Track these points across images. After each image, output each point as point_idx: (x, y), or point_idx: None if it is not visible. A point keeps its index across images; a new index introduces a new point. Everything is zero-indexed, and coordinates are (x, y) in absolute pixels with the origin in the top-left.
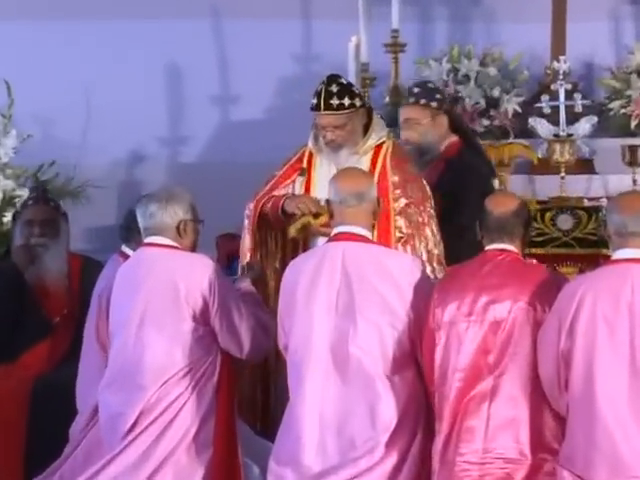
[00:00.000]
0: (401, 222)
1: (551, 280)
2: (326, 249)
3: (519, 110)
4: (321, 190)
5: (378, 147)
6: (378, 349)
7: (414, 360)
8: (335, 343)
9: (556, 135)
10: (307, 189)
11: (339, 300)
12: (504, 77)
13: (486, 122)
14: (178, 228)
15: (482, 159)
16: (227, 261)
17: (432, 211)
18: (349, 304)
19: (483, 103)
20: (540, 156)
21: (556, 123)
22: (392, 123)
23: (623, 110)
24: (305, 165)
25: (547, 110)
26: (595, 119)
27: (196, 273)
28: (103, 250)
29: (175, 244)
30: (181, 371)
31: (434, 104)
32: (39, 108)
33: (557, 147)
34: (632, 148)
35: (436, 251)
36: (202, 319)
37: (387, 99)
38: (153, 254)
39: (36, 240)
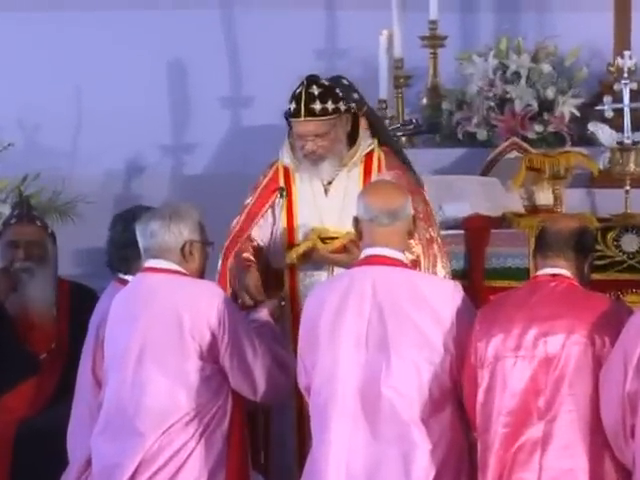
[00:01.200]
0: (410, 241)
1: (613, 310)
2: (353, 275)
3: (577, 114)
4: (306, 212)
5: (368, 157)
6: (415, 390)
7: (455, 401)
8: (365, 383)
9: (620, 143)
10: (289, 212)
11: (369, 333)
12: (560, 75)
13: (539, 127)
14: (183, 250)
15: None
16: None
17: (437, 226)
18: (381, 338)
19: (535, 105)
20: (601, 167)
21: (620, 129)
22: (432, 129)
23: None
24: (283, 184)
25: (609, 114)
26: None
27: (202, 303)
28: (96, 275)
29: (179, 269)
30: (186, 416)
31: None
32: (22, 111)
33: (621, 156)
34: None
35: (443, 271)
36: (210, 356)
37: (424, 101)
38: (154, 280)
39: (20, 264)
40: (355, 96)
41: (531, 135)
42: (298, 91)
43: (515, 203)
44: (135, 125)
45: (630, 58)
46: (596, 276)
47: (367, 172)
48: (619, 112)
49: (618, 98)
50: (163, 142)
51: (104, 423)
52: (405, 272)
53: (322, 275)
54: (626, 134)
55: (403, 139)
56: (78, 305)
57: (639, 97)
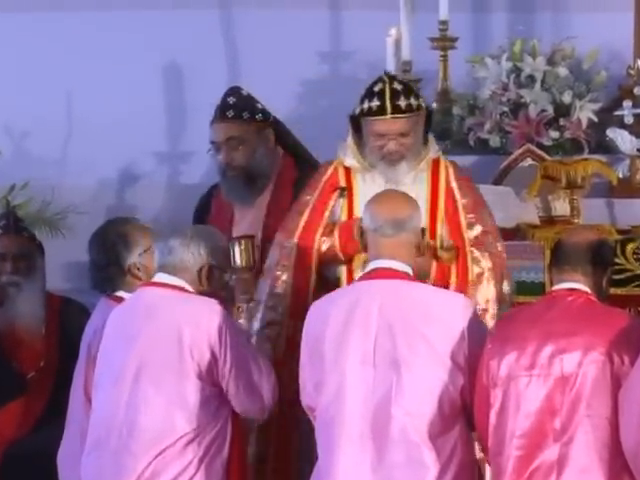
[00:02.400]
0: (478, 254)
1: (633, 327)
2: (359, 289)
3: (595, 119)
4: None
5: (435, 164)
6: (426, 409)
7: (465, 418)
8: (373, 402)
9: None
10: (350, 214)
11: (377, 350)
12: (577, 79)
13: (555, 134)
14: (200, 273)
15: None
16: None
17: (502, 241)
18: (390, 355)
19: (551, 110)
20: (621, 175)
21: None
22: (442, 135)
23: None
24: (344, 184)
25: (629, 119)
26: None
27: (203, 321)
28: (87, 290)
29: (183, 284)
30: (183, 439)
31: (259, 116)
32: (9, 117)
33: None
34: None
35: (508, 288)
36: (209, 377)
37: (434, 105)
38: (155, 296)
39: (7, 278)
40: (259, 106)
41: (547, 142)
42: (379, 88)
43: (530, 214)
44: (129, 132)
45: None
46: (615, 291)
47: (434, 179)
48: (639, 117)
49: (638, 103)
50: (158, 149)
51: (94, 443)
52: (414, 286)
53: None
54: None
55: None
56: (68, 321)
57: None
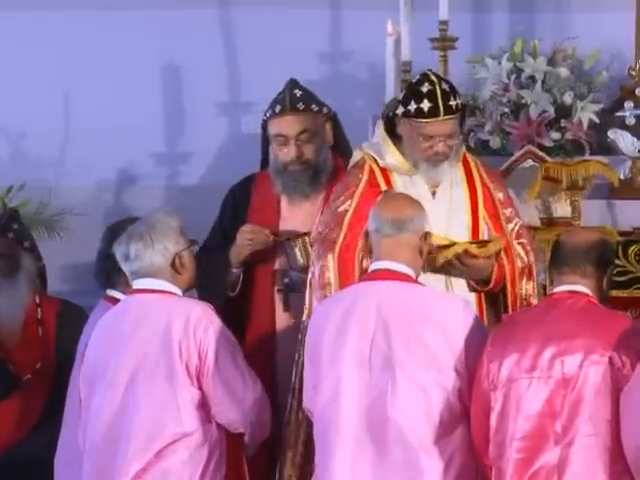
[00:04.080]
0: (519, 248)
1: (634, 329)
2: (358, 290)
3: (596, 120)
4: None
5: (464, 159)
6: (422, 412)
7: (466, 423)
8: (369, 405)
9: None
10: None
11: (373, 352)
12: (578, 79)
13: (556, 135)
14: (174, 265)
15: None
16: None
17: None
18: (386, 357)
19: (552, 111)
20: (622, 177)
21: None
22: None
23: None
24: (385, 187)
25: (631, 120)
26: None
27: (191, 324)
28: (85, 292)
29: (171, 289)
30: (177, 442)
31: (325, 109)
32: (6, 118)
33: None
34: None
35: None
36: (198, 382)
37: None
38: (144, 302)
39: None
40: (321, 99)
41: (547, 143)
42: (429, 88)
43: (531, 215)
44: (127, 133)
45: None
46: (617, 293)
47: (469, 176)
48: None
49: None
50: (157, 150)
51: (90, 449)
52: (413, 288)
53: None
54: None
55: None
56: (65, 324)
57: None
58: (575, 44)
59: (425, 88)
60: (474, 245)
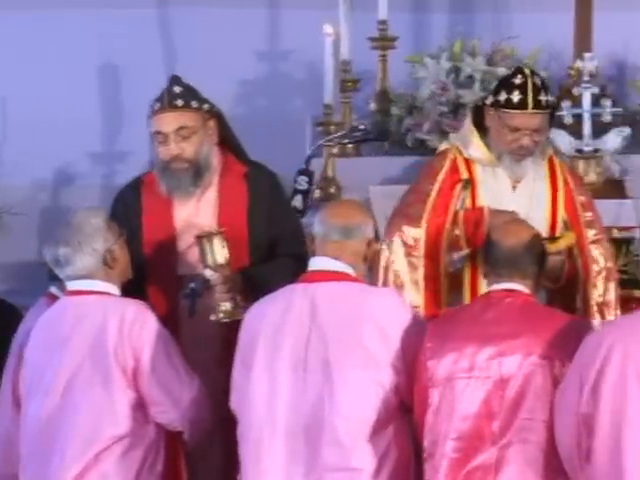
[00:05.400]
0: (597, 252)
1: (573, 327)
2: (294, 291)
3: None
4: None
5: (550, 159)
6: (359, 412)
7: (400, 417)
8: (304, 407)
9: (579, 150)
10: (474, 207)
11: (309, 354)
12: None
13: None
14: (106, 263)
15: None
16: None
17: None
18: (323, 358)
19: None
20: None
21: (580, 136)
22: (381, 136)
23: None
24: (466, 176)
25: (569, 120)
26: (627, 131)
27: (126, 324)
28: (22, 292)
29: (105, 288)
30: (114, 445)
31: (206, 106)
32: None
33: (581, 165)
34: None
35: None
36: (136, 384)
37: (373, 106)
38: (79, 304)
39: None
40: (203, 96)
41: None
42: (521, 81)
43: None
44: (64, 132)
45: (591, 60)
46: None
47: (553, 176)
48: (579, 118)
49: (578, 103)
50: (94, 150)
51: (28, 454)
52: (350, 286)
53: None
54: (586, 141)
55: (350, 147)
56: None
57: (600, 102)
58: (514, 44)
59: (518, 80)
60: (545, 240)
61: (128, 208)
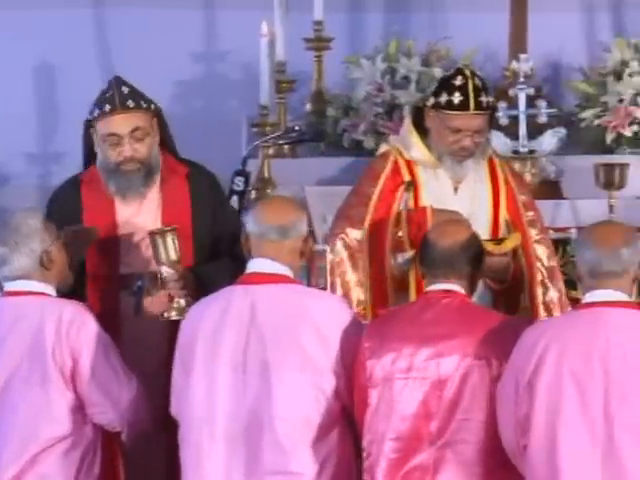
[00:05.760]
0: (540, 251)
1: (510, 327)
2: (233, 293)
3: None
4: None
5: (490, 160)
6: (299, 415)
7: (343, 422)
8: (244, 410)
9: (515, 151)
10: (417, 209)
11: (248, 357)
12: None
13: None
14: (42, 264)
15: None
16: None
17: None
18: (262, 361)
19: None
20: None
21: (515, 137)
22: (316, 137)
23: (597, 121)
24: (408, 178)
25: (504, 121)
26: (563, 132)
27: (64, 324)
28: None
29: (43, 289)
30: (52, 448)
31: (152, 106)
32: None
33: (517, 166)
34: (607, 167)
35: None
36: (74, 385)
37: (308, 107)
38: (16, 305)
39: None
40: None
41: None
42: (462, 82)
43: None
44: None
45: (526, 61)
46: None
47: (494, 176)
48: (514, 119)
49: (514, 104)
50: (29, 150)
51: None
52: (290, 289)
53: None
54: (522, 142)
55: (285, 148)
56: None
57: (536, 103)
58: (450, 44)
59: (458, 81)
60: (490, 242)
61: (66, 207)
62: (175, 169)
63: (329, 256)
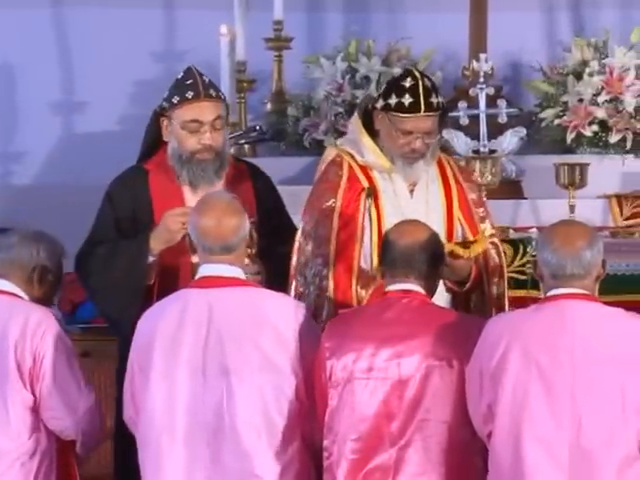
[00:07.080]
0: (493, 250)
1: (470, 325)
2: (188, 298)
3: None
4: (391, 214)
5: (438, 158)
6: (259, 417)
7: (307, 426)
8: (205, 413)
9: (476, 151)
10: (379, 215)
11: (207, 360)
12: None
13: None
14: (33, 272)
15: None
16: (72, 309)
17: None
18: (221, 363)
19: None
20: None
21: (476, 136)
22: (277, 136)
23: (557, 120)
24: (367, 184)
25: (464, 120)
26: (523, 132)
27: (29, 328)
28: None
29: (16, 291)
30: (4, 458)
31: (224, 96)
32: None
33: (477, 166)
34: (568, 167)
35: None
36: (32, 387)
37: (269, 106)
38: None
39: None
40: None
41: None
42: (412, 84)
43: None
44: None
45: (486, 61)
46: None
47: (444, 176)
48: (475, 119)
49: (474, 104)
50: None
51: None
52: (244, 291)
53: None
54: (482, 142)
55: (246, 147)
56: None
57: (496, 103)
58: (410, 44)
59: (408, 83)
60: (459, 246)
61: (137, 195)
62: (236, 166)
63: (293, 259)
